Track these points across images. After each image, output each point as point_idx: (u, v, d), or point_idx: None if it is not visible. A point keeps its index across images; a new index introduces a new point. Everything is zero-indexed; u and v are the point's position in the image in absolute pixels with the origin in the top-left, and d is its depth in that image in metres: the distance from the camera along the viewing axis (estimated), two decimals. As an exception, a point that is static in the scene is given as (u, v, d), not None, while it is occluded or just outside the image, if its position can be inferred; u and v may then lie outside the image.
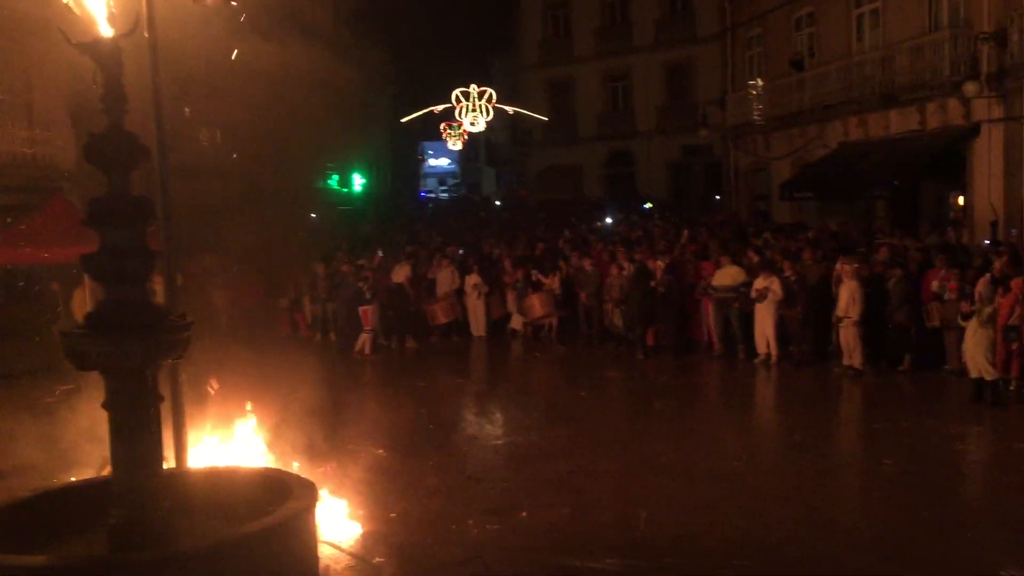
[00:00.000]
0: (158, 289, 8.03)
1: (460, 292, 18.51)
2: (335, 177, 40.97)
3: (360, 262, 18.09)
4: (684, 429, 11.78)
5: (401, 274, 17.86)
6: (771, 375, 14.57)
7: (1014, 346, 11.99)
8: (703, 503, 8.94)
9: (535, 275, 18.08)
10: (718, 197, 33.42)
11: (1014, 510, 8.69)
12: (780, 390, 14.10)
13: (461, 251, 20.34)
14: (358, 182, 41.95)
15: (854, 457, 10.83)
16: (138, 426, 5.57)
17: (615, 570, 7.45)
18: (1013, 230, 17.48)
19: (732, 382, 14.72)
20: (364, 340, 17.12)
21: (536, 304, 18.00)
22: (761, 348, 15.05)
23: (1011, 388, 12.18)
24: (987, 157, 18.23)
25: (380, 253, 18.70)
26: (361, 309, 17.02)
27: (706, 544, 7.90)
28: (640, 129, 37.87)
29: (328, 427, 11.45)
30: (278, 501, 6.30)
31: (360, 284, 17.08)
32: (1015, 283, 11.91)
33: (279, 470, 7.65)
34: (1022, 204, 17.61)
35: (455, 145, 42.62)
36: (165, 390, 6.28)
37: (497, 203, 44.29)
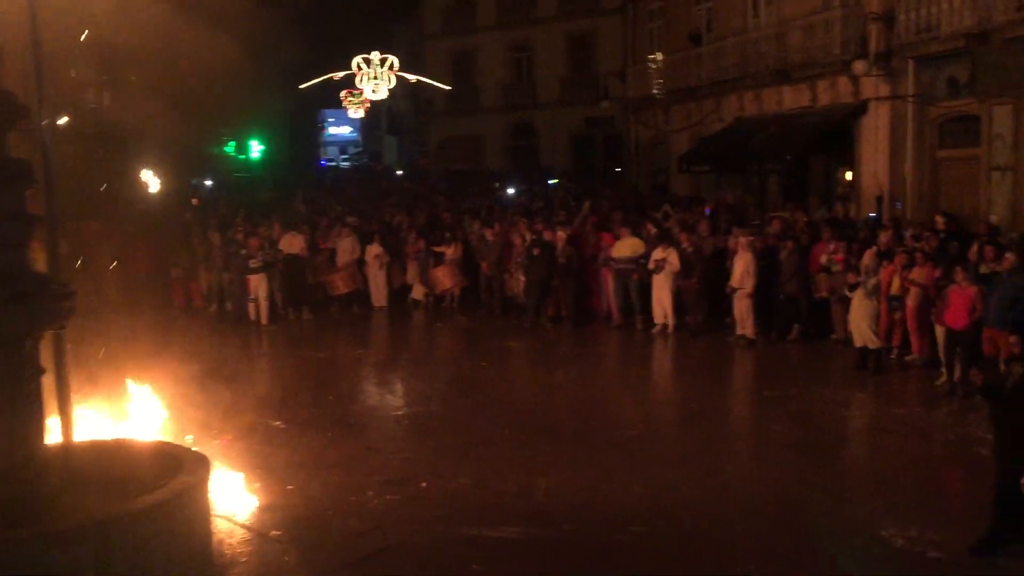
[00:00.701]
0: (40, 257, 7.65)
1: (361, 262, 18.27)
2: (232, 143, 39.87)
3: (259, 231, 17.63)
4: (583, 398, 11.93)
5: (294, 244, 17.46)
6: (668, 344, 14.87)
7: (897, 316, 12.53)
8: (601, 470, 9.09)
9: (438, 248, 17.97)
10: (619, 169, 33.82)
11: (893, 472, 9.12)
12: (676, 359, 14.41)
13: (353, 219, 19.92)
14: (256, 149, 40.95)
15: (746, 423, 11.17)
16: (18, 400, 5.34)
17: (515, 538, 7.52)
18: (898, 203, 18.19)
19: (630, 352, 14.97)
20: (253, 309, 16.73)
21: (442, 276, 17.94)
22: (658, 318, 15.33)
23: (893, 356, 12.75)
24: (874, 134, 18.87)
25: (277, 223, 18.24)
26: (247, 278, 16.63)
27: (604, 510, 8.04)
28: (543, 101, 37.93)
29: (223, 400, 11.22)
30: (169, 475, 6.15)
31: (244, 253, 16.66)
32: (898, 256, 12.42)
33: (171, 444, 7.45)
34: (906, 179, 18.33)
35: (356, 113, 41.94)
36: (48, 362, 6.03)
37: (399, 172, 43.84)
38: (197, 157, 34.16)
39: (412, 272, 18.51)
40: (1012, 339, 7.27)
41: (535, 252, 16.17)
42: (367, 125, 61.19)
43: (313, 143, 55.58)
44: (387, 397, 12.47)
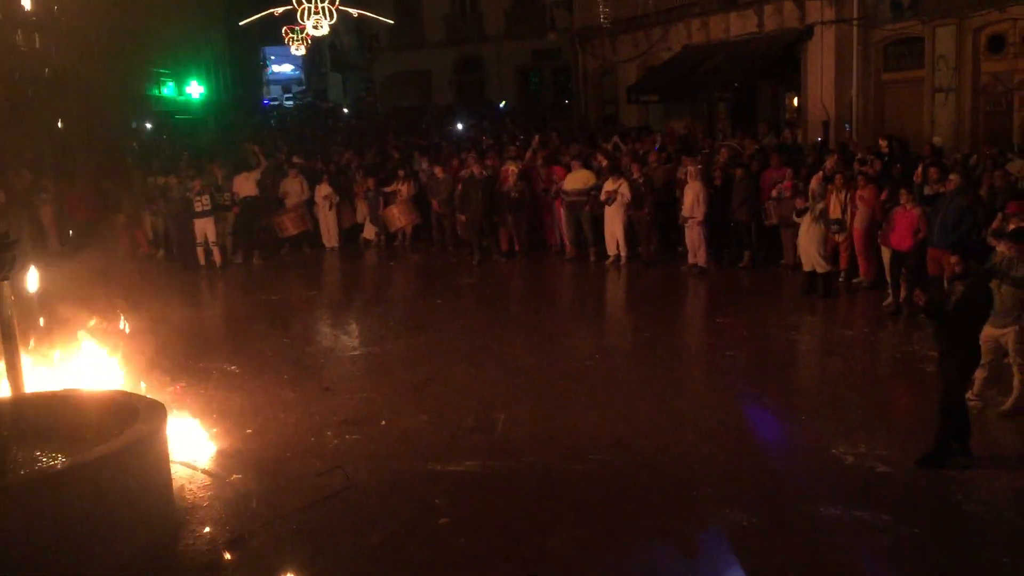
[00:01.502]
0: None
1: (310, 203, 18.03)
2: (170, 84, 38.81)
3: (203, 174, 17.26)
4: (539, 331, 12.00)
5: (246, 186, 17.19)
6: (621, 275, 14.97)
7: (839, 238, 12.70)
8: (559, 402, 9.19)
9: (390, 188, 17.78)
10: (568, 101, 33.58)
11: (841, 392, 9.35)
12: (630, 289, 14.52)
13: (300, 159, 19.55)
14: (196, 89, 39.91)
15: (700, 350, 11.33)
16: (-38, 353, 5.22)
17: (475, 472, 7.61)
18: (847, 124, 18.33)
19: (584, 283, 15.05)
20: (202, 254, 16.48)
21: (395, 215, 17.78)
22: (611, 249, 15.40)
23: (841, 280, 12.97)
24: (819, 59, 18.91)
25: (217, 166, 17.79)
26: (193, 223, 16.33)
27: (563, 441, 8.15)
28: (489, 34, 37.37)
29: (177, 346, 11.12)
30: (124, 424, 6.10)
31: (189, 196, 16.34)
32: (837, 177, 12.55)
33: (125, 392, 7.39)
34: (852, 104, 18.46)
35: (298, 50, 40.94)
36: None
37: (345, 111, 43.08)
38: (135, 99, 33.25)
39: (363, 211, 18.33)
40: (953, 259, 7.41)
41: (459, 189, 16.17)
42: (310, 63, 59.95)
43: (255, 82, 54.30)
44: (342, 338, 12.42)
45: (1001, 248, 8.13)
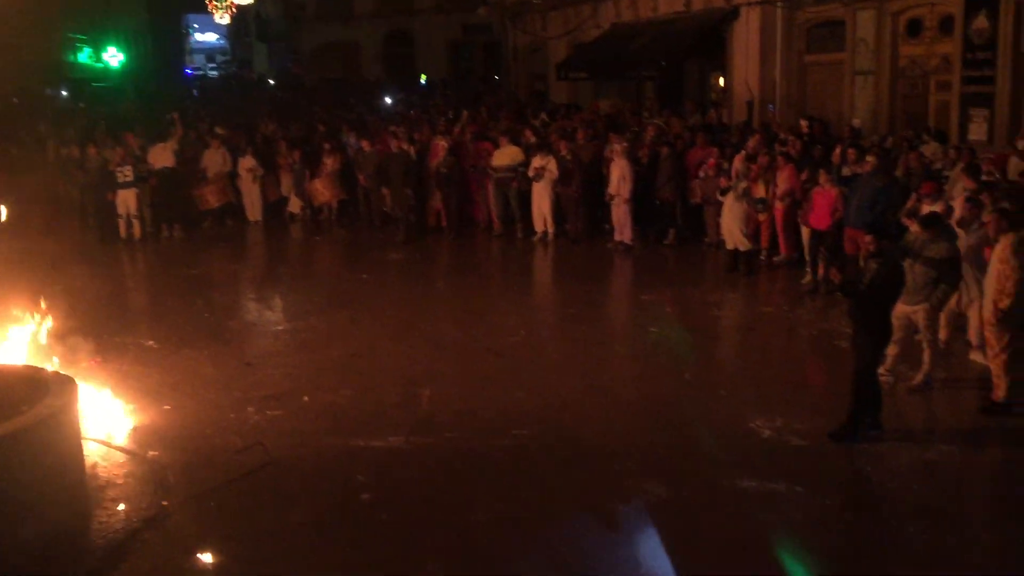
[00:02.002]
0: None
1: (233, 175, 17.64)
2: (87, 50, 37.50)
3: (123, 143, 16.73)
4: (465, 307, 11.98)
5: (163, 157, 16.67)
6: (548, 252, 15.02)
7: (762, 217, 12.94)
8: (484, 378, 9.21)
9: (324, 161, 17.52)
10: (497, 77, 33.46)
11: (761, 368, 9.56)
12: (556, 266, 14.58)
13: (223, 130, 19.09)
14: (115, 57, 38.66)
15: (624, 326, 11.45)
16: None
17: (399, 447, 7.58)
18: (770, 105, 18.64)
19: (511, 260, 15.06)
20: (124, 226, 16.04)
21: (320, 188, 17.51)
22: (538, 226, 15.43)
23: (762, 258, 13.21)
24: (745, 39, 19.17)
25: (132, 135, 17.25)
26: (113, 194, 15.88)
27: (487, 416, 8.17)
28: (419, 7, 36.96)
29: (91, 320, 10.80)
30: (33, 400, 5.91)
31: (109, 168, 15.86)
32: (760, 157, 12.77)
33: (33, 367, 7.16)
34: (776, 84, 18.77)
35: (222, 19, 40.03)
36: None
37: (271, 82, 42.22)
38: (49, 65, 32.06)
39: (287, 184, 18.02)
40: (868, 238, 7.59)
41: (379, 161, 16.09)
42: (235, 32, 58.49)
43: (177, 50, 52.79)
44: (265, 312, 12.23)
45: (914, 228, 8.37)
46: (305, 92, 32.99)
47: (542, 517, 6.41)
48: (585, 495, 6.70)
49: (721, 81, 20.92)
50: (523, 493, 6.75)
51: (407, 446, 7.60)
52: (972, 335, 8.99)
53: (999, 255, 7.71)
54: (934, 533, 6.10)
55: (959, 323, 9.08)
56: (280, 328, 11.32)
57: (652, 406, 8.38)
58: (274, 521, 6.42)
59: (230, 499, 6.71)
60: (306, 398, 8.68)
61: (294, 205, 18.00)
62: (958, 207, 9.15)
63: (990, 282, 7.81)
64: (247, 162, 17.43)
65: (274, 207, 18.07)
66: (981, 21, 14.50)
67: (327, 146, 17.66)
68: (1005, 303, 7.62)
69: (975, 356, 8.96)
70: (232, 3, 33.43)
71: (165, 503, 6.61)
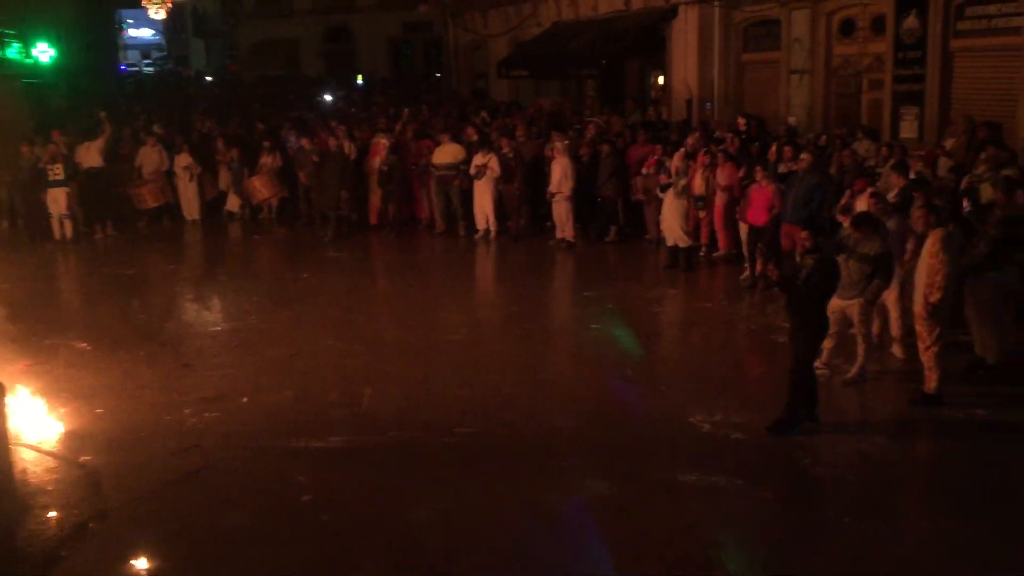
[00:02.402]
0: None
1: (170, 173, 17.31)
2: (15, 46, 36.48)
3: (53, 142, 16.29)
4: (407, 305, 11.92)
5: (89, 156, 16.24)
6: (490, 250, 15.01)
7: (702, 214, 13.09)
8: (426, 376, 9.16)
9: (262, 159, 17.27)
10: (439, 75, 33.35)
11: (700, 363, 9.67)
12: (499, 264, 14.58)
13: (159, 128, 18.69)
14: (45, 52, 37.60)
15: (566, 323, 11.49)
16: None
17: (340, 447, 7.52)
18: (708, 104, 18.86)
19: (453, 258, 15.01)
20: (58, 227, 15.64)
21: (259, 186, 17.27)
22: (480, 224, 15.42)
23: (702, 254, 13.36)
24: (683, 38, 19.38)
25: (58, 133, 16.79)
26: (43, 193, 15.48)
27: (428, 415, 8.13)
28: (359, 3, 36.63)
29: (22, 322, 10.53)
30: (-42, 405, 5.72)
31: (40, 166, 15.44)
32: (700, 155, 12.92)
33: (-41, 372, 6.93)
34: (714, 83, 19.00)
35: (157, 14, 39.22)
36: None
37: (208, 78, 41.47)
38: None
39: (225, 182, 17.74)
40: (803, 234, 7.71)
41: (314, 160, 15.90)
42: (171, 28, 57.38)
43: (111, 46, 51.59)
44: (203, 313, 12.01)
45: (847, 225, 8.53)
46: (243, 89, 32.49)
47: (484, 515, 6.40)
48: (527, 492, 6.70)
49: (661, 79, 21.11)
50: (465, 491, 6.73)
51: (348, 446, 7.54)
52: (894, 328, 9.19)
53: (928, 250, 7.90)
54: (869, 523, 6.22)
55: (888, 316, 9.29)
56: (218, 328, 11.13)
57: (594, 402, 8.42)
58: (212, 524, 6.32)
59: (166, 503, 6.58)
60: (245, 399, 8.55)
61: (232, 204, 17.73)
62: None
63: (920, 277, 7.99)
64: (183, 160, 17.13)
65: (212, 206, 17.78)
66: (911, 21, 14.85)
67: (266, 144, 17.42)
68: (935, 297, 7.81)
69: (895, 350, 9.18)
70: (167, -2, 32.75)
71: (99, 508, 6.45)
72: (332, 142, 16.13)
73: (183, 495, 6.69)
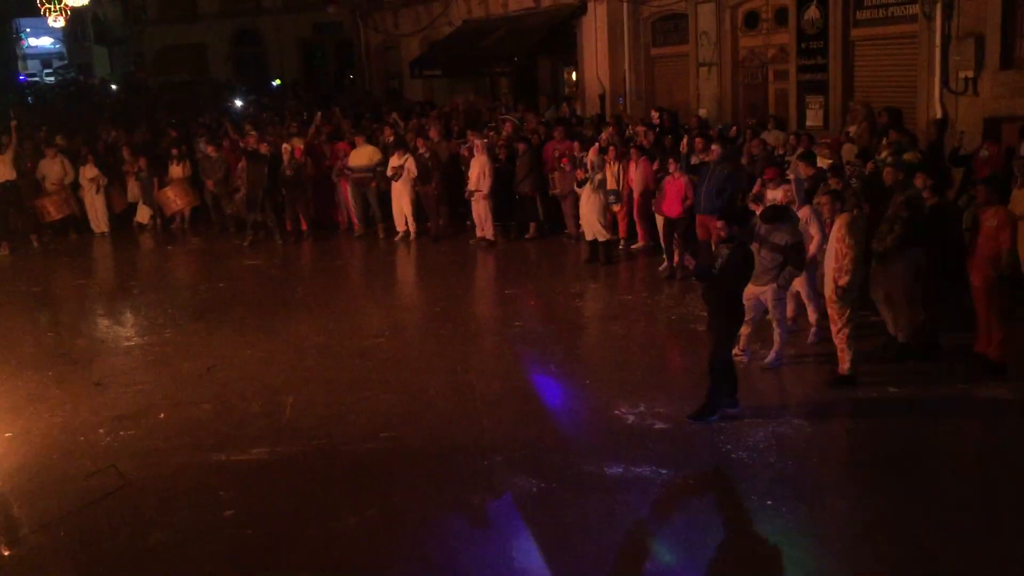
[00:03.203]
0: None
1: (75, 185, 16.77)
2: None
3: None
4: (328, 311, 11.76)
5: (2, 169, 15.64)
6: (411, 251, 14.92)
7: (616, 208, 13.21)
8: (349, 381, 9.06)
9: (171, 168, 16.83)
10: (352, 76, 33.01)
11: (623, 355, 9.75)
12: (420, 265, 14.49)
13: (62, 139, 18.05)
14: (-63, 64, 36.12)
15: (489, 322, 11.47)
16: None
17: (263, 459, 7.38)
18: (620, 98, 19.05)
19: (373, 260, 14.89)
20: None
21: (171, 196, 16.88)
22: (400, 225, 15.32)
23: (620, 247, 13.50)
24: (594, 34, 19.56)
25: None
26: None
27: (353, 421, 8.05)
28: (266, 5, 36.02)
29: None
30: None
31: None
32: (611, 149, 13.04)
33: None
34: (625, 77, 19.21)
35: (56, 22, 37.98)
36: None
37: (113, 86, 40.31)
38: None
39: (134, 193, 17.27)
40: (718, 224, 7.84)
41: (240, 165, 15.63)
42: (72, 36, 55.67)
43: (9, 56, 49.79)
44: (116, 328, 11.65)
45: (759, 216, 8.69)
46: (150, 96, 31.69)
47: (411, 519, 6.35)
48: (455, 493, 6.67)
49: (573, 75, 21.26)
50: (393, 496, 6.67)
51: (272, 457, 7.40)
52: (810, 313, 9.43)
53: (836, 235, 8.11)
54: (790, 503, 6.36)
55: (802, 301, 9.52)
56: (132, 344, 10.82)
57: (519, 400, 8.43)
58: (129, 547, 6.13)
59: (82, 526, 6.37)
60: (162, 415, 8.33)
61: (143, 215, 17.28)
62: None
63: (829, 261, 8.21)
64: (88, 171, 16.63)
65: (122, 218, 17.29)
66: (813, 12, 15.24)
67: (174, 152, 17.01)
68: (844, 280, 8.03)
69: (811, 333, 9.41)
70: (66, 5, 31.65)
71: (11, 534, 6.21)
72: (264, 147, 15.79)
73: (99, 517, 6.48)
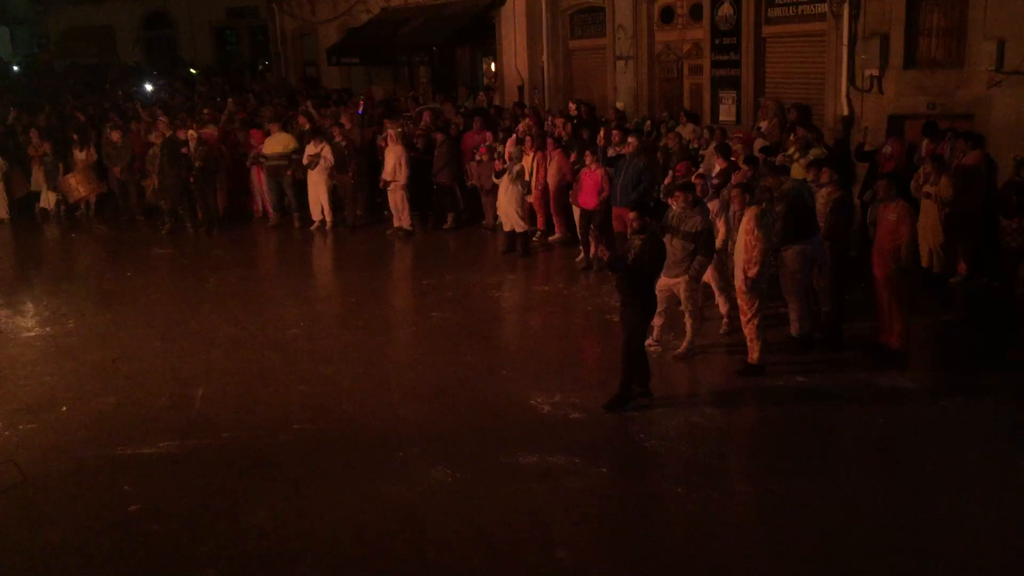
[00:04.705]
0: None
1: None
2: None
3: None
4: (240, 301, 11.53)
5: None
6: (327, 241, 14.72)
7: (530, 199, 13.25)
8: (261, 373, 8.91)
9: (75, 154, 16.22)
10: (267, 62, 32.38)
11: (540, 346, 9.81)
12: (336, 255, 14.32)
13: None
14: None
15: (406, 312, 11.42)
16: None
17: (171, 452, 7.21)
18: (536, 91, 19.12)
19: (288, 250, 14.65)
20: None
21: (74, 184, 16.30)
22: (316, 215, 15.09)
23: (537, 239, 13.55)
24: (512, 24, 19.56)
25: None
26: None
27: (266, 413, 7.92)
28: (178, -12, 35.11)
29: None
30: None
31: None
32: (527, 140, 13.07)
33: None
34: (543, 68, 19.27)
35: (-48, -1, 36.31)
36: None
37: (15, 68, 38.73)
38: None
39: (38, 179, 16.65)
40: (631, 215, 7.92)
41: (151, 152, 15.19)
42: (-30, 14, 53.22)
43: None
44: (15, 319, 11.20)
45: (674, 206, 8.82)
46: (55, 79, 30.58)
47: (326, 513, 6.27)
48: (369, 485, 6.61)
49: (493, 66, 21.23)
50: (305, 489, 6.57)
51: (180, 450, 7.23)
52: (720, 304, 9.63)
53: (745, 227, 8.28)
54: (701, 491, 6.48)
55: (711, 292, 9.70)
56: (33, 335, 10.43)
57: (435, 390, 8.40)
58: (28, 544, 5.92)
59: (-22, 524, 6.12)
60: (64, 408, 8.07)
61: (47, 200, 16.67)
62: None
63: (739, 253, 8.38)
64: (-14, 155, 15.98)
65: (23, 203, 16.66)
66: (726, 8, 15.51)
67: (74, 137, 16.45)
68: (753, 271, 8.20)
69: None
70: (-36, -18, 30.25)
71: (-101, 537, 5.94)
72: (176, 133, 15.32)
73: (-3, 515, 6.25)
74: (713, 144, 12.19)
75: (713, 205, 9.23)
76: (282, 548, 5.88)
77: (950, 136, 11.22)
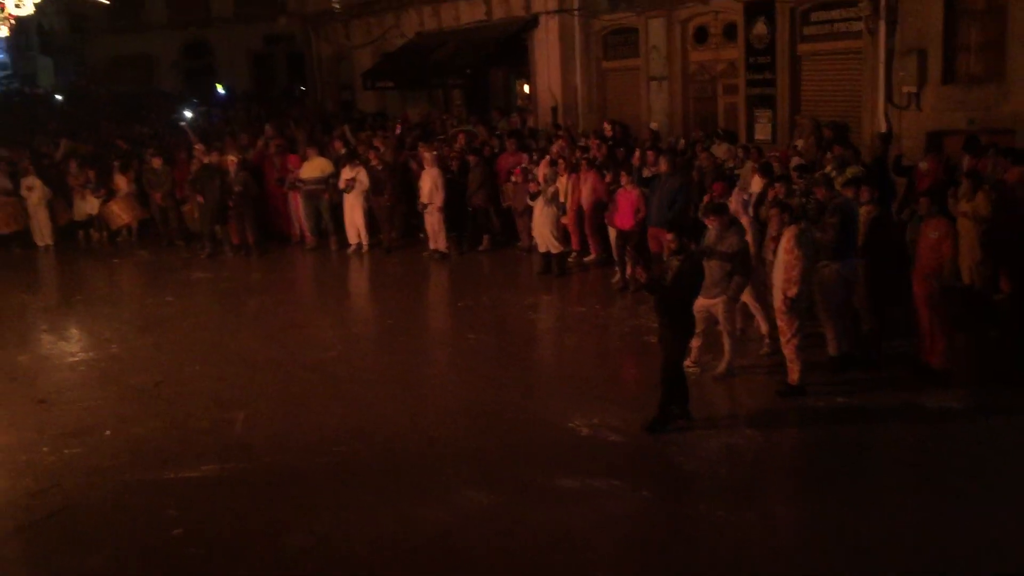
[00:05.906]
0: None
1: (16, 197, 16.41)
2: None
3: None
4: (278, 324, 11.63)
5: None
6: (363, 264, 14.83)
7: (564, 220, 13.24)
8: (300, 396, 8.96)
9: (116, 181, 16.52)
10: (303, 88, 32.79)
11: (577, 367, 9.78)
12: (372, 277, 14.41)
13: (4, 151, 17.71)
14: None
15: (442, 335, 11.44)
16: None
17: (213, 476, 7.26)
18: (569, 117, 19.14)
19: (326, 274, 14.77)
20: None
21: (118, 211, 16.61)
22: (352, 238, 15.21)
23: (572, 259, 13.54)
24: (546, 47, 19.64)
25: None
26: None
27: (305, 436, 7.95)
28: (216, 16, 35.69)
29: None
30: None
31: None
32: (560, 162, 13.11)
33: None
34: (577, 90, 19.33)
35: (-1, 31, 37.18)
36: None
37: (59, 97, 39.57)
38: None
39: (80, 207, 16.94)
40: (669, 236, 7.90)
41: (192, 178, 15.41)
42: (15, 45, 54.49)
43: (-50, 66, 48.69)
44: (61, 344, 11.39)
45: (711, 226, 8.78)
46: (96, 107, 31.17)
47: (363, 536, 6.28)
48: (407, 509, 6.61)
49: (526, 87, 21.33)
50: (343, 513, 6.59)
51: (220, 473, 7.29)
52: (761, 324, 9.54)
53: (784, 246, 8.21)
54: (742, 515, 6.40)
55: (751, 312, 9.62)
56: (77, 359, 10.59)
57: (472, 412, 8.39)
58: (72, 568, 5.99)
59: (22, 548, 6.21)
60: (108, 432, 8.17)
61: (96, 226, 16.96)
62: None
63: (778, 273, 8.31)
64: (31, 182, 16.29)
65: (66, 230, 16.97)
66: (760, 27, 15.48)
67: (115, 164, 16.75)
68: (793, 291, 8.13)
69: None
70: (9, 14, 30.93)
71: (-52, 560, 6.04)
72: (216, 156, 15.55)
73: (41, 539, 6.33)
74: (749, 163, 12.12)
75: (744, 221, 9.18)
76: (321, 571, 5.90)
77: (992, 152, 11.06)
